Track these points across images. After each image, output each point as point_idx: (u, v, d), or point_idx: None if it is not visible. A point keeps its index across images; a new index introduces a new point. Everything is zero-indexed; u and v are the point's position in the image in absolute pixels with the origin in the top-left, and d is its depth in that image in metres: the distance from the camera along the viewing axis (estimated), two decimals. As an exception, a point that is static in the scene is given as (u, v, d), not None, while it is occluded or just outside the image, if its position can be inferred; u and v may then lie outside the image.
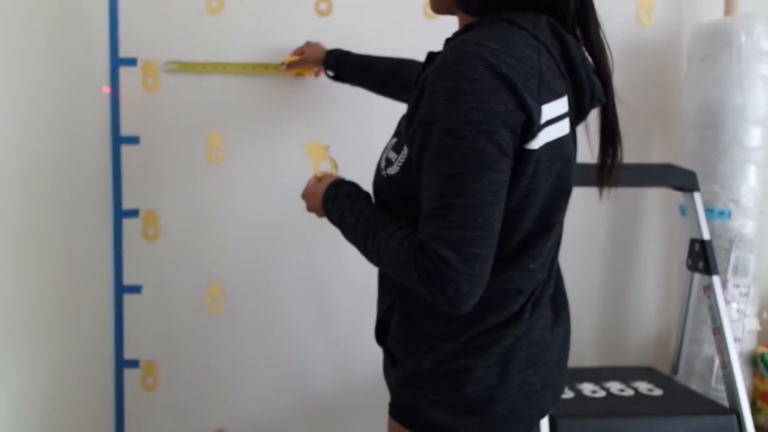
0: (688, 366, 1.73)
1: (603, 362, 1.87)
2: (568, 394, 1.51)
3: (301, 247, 1.77)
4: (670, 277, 1.89)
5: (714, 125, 1.66)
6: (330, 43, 1.62)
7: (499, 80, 0.71)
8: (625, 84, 1.81)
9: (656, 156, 1.86)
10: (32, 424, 1.31)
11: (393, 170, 0.84)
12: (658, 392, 1.55)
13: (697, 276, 1.64)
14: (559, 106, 0.78)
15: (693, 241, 1.61)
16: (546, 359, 0.87)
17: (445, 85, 0.72)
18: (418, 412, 0.87)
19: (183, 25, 1.69)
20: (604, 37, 0.85)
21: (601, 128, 0.89)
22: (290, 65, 1.63)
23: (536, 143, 0.75)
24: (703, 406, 1.50)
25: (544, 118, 0.75)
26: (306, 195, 1.06)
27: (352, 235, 0.88)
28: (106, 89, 1.69)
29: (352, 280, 1.74)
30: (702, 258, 1.57)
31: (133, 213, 1.74)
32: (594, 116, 0.90)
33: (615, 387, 1.57)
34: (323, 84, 1.63)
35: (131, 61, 1.69)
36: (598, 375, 1.64)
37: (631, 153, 1.82)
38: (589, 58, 0.84)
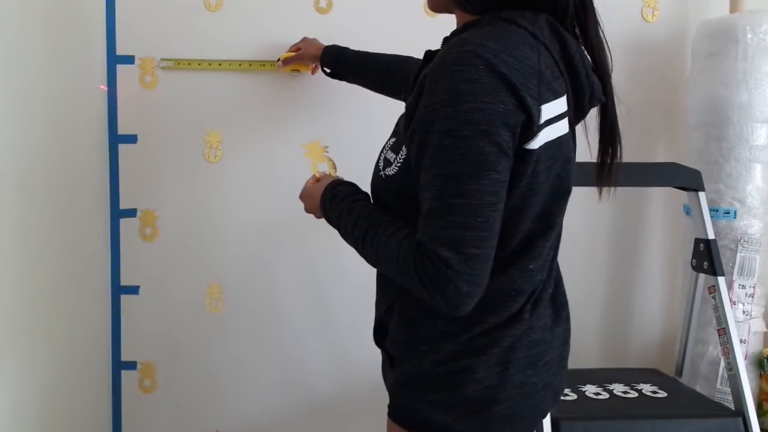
0: (692, 368, 1.71)
1: (606, 364, 1.86)
2: (570, 395, 1.50)
3: (301, 247, 1.76)
4: (675, 278, 1.87)
5: (719, 124, 1.64)
6: (329, 41, 1.61)
7: (499, 80, 0.71)
8: (630, 82, 1.81)
9: (660, 155, 1.85)
10: (29, 426, 1.30)
11: (391, 171, 0.83)
12: (662, 394, 1.53)
13: (702, 276, 1.62)
14: (559, 105, 0.78)
15: (698, 241, 1.59)
16: (546, 359, 0.87)
17: (445, 85, 0.72)
18: (417, 413, 0.86)
19: (181, 22, 1.68)
20: (604, 36, 0.84)
21: (601, 127, 0.88)
22: (286, 61, 1.62)
23: (536, 143, 0.75)
24: (708, 408, 1.48)
25: (543, 118, 0.75)
26: (304, 196, 1.06)
27: (351, 236, 0.87)
28: (103, 87, 1.68)
29: (352, 280, 1.73)
30: (707, 258, 1.55)
31: (131, 213, 1.72)
32: (593, 115, 0.89)
33: (618, 389, 1.55)
34: (322, 81, 1.61)
35: (128, 59, 1.68)
36: (602, 377, 1.63)
37: (635, 152, 1.82)
38: (588, 57, 0.83)
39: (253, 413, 1.79)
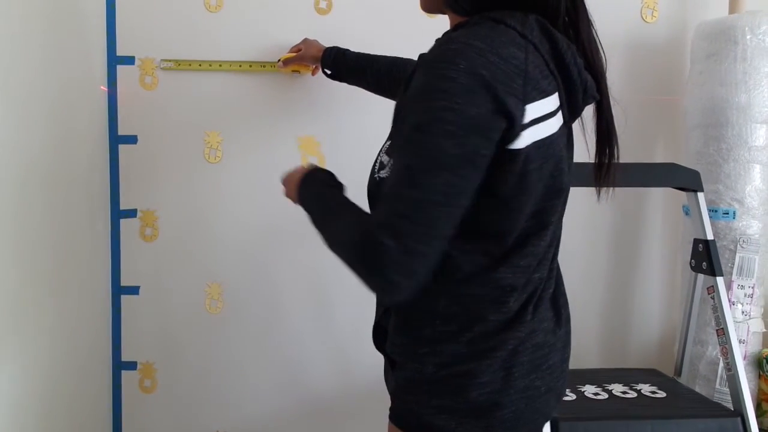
0: (691, 368, 1.71)
1: (606, 364, 1.86)
2: (570, 396, 1.50)
3: (301, 247, 1.76)
4: (674, 278, 1.87)
5: (718, 124, 1.64)
6: (329, 42, 1.61)
7: (477, 82, 0.70)
8: (629, 82, 1.81)
9: (659, 155, 1.85)
10: (29, 425, 1.30)
11: (385, 173, 0.83)
12: (661, 394, 1.53)
13: (701, 277, 1.62)
14: (548, 104, 0.77)
15: (697, 242, 1.59)
16: (549, 363, 0.86)
17: (424, 80, 0.73)
18: (419, 417, 0.85)
19: (181, 23, 1.68)
20: (597, 35, 0.85)
21: (597, 128, 0.88)
22: (286, 62, 1.62)
23: (521, 143, 0.74)
24: (707, 408, 1.48)
25: (529, 117, 0.74)
26: (285, 180, 1.07)
27: (314, 217, 0.89)
28: (104, 88, 1.68)
29: (352, 280, 1.72)
30: (706, 258, 1.55)
31: (131, 213, 1.73)
32: (590, 115, 0.89)
33: (618, 389, 1.55)
34: (322, 83, 1.62)
35: (129, 60, 1.68)
36: (601, 377, 1.63)
37: (634, 152, 1.83)
38: (580, 56, 0.83)
39: (253, 413, 1.79)
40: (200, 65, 1.68)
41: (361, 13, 1.70)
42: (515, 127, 0.73)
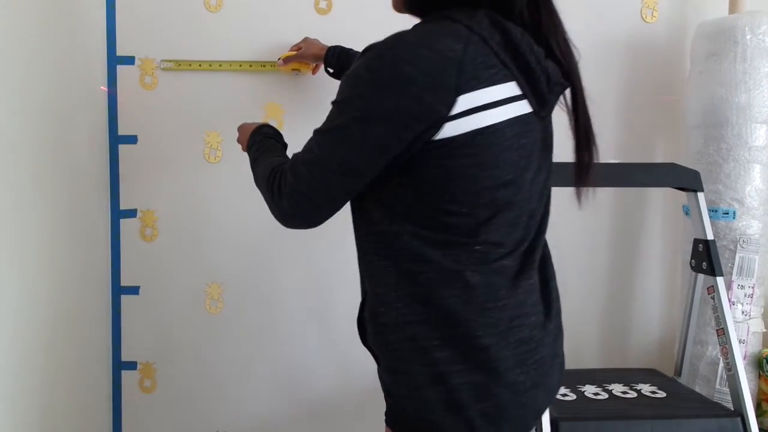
0: (691, 368, 1.71)
1: (606, 364, 1.86)
2: (570, 396, 1.50)
3: (301, 248, 1.76)
4: (674, 278, 1.87)
5: (718, 124, 1.64)
6: (330, 42, 1.61)
7: (397, 76, 0.75)
8: (629, 82, 1.81)
9: (659, 155, 1.85)
10: (29, 425, 1.30)
11: None
12: (661, 394, 1.53)
13: (701, 277, 1.62)
14: (493, 93, 0.78)
15: (697, 242, 1.59)
16: (536, 357, 0.86)
17: (355, 67, 0.80)
18: (404, 410, 0.86)
19: (181, 23, 1.68)
20: (560, 23, 0.86)
21: (574, 127, 0.88)
22: (286, 60, 1.62)
23: (447, 132, 0.77)
24: (707, 408, 1.48)
25: (463, 107, 0.76)
26: (241, 128, 1.25)
27: (252, 158, 1.07)
28: (104, 88, 1.68)
29: (352, 281, 1.72)
30: (706, 259, 1.55)
31: (131, 213, 1.73)
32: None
33: (618, 389, 1.55)
34: (322, 82, 1.62)
35: (129, 60, 1.68)
36: (601, 377, 1.63)
37: (634, 152, 1.83)
38: (544, 46, 0.84)
39: (253, 413, 1.79)
40: (200, 65, 1.68)
41: (361, 13, 1.70)
42: (439, 120, 0.76)
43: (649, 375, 1.68)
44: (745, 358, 1.66)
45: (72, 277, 1.51)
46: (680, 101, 1.80)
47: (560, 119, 0.90)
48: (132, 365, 1.75)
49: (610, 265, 1.86)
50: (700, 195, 1.56)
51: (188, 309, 1.76)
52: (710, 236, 1.55)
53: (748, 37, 1.60)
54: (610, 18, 1.78)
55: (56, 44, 1.43)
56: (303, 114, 1.72)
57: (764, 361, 1.68)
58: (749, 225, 1.64)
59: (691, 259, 1.62)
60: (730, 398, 1.51)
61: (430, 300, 0.82)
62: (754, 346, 1.69)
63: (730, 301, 1.60)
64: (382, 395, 0.99)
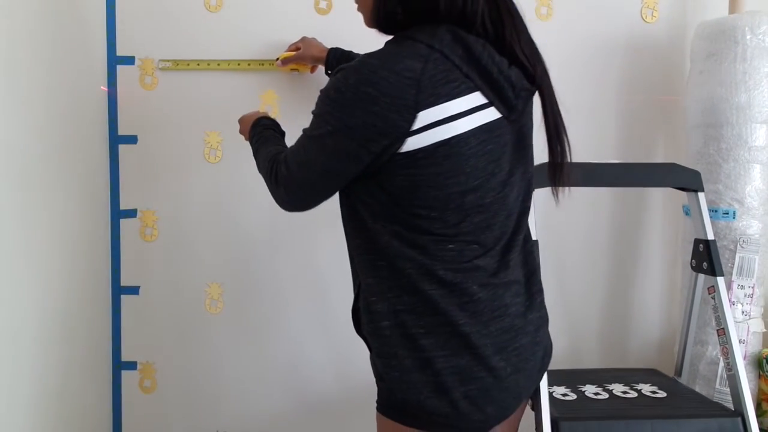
0: (692, 368, 1.71)
1: (606, 364, 1.86)
2: (570, 395, 1.50)
3: (301, 248, 1.76)
4: (674, 278, 1.87)
5: (718, 124, 1.64)
6: (329, 42, 1.61)
7: (361, 97, 0.83)
8: (629, 82, 1.81)
9: (660, 155, 1.85)
10: (29, 425, 1.30)
11: None
12: (661, 394, 1.53)
13: (702, 277, 1.62)
14: (456, 106, 0.84)
15: (697, 242, 1.59)
16: (515, 345, 0.92)
17: (328, 85, 0.89)
18: (392, 395, 0.92)
19: (181, 23, 1.68)
20: (524, 30, 0.90)
21: (546, 127, 0.93)
22: (285, 61, 1.62)
23: (410, 146, 0.83)
24: (708, 408, 1.48)
25: (424, 122, 0.83)
26: (241, 120, 1.33)
27: (254, 148, 1.18)
28: (104, 88, 1.68)
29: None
30: (706, 258, 1.55)
31: (131, 213, 1.73)
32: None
33: (618, 389, 1.55)
34: (322, 81, 1.61)
35: (129, 60, 1.68)
36: (601, 377, 1.63)
37: (634, 152, 1.83)
38: (508, 54, 0.89)
39: (253, 413, 1.79)
40: (199, 65, 1.68)
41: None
42: (402, 135, 0.83)
43: (650, 375, 1.68)
44: (745, 358, 1.66)
45: (72, 277, 1.51)
46: (680, 101, 1.80)
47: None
48: (132, 365, 1.75)
49: (610, 265, 1.86)
50: (701, 195, 1.56)
51: (188, 309, 1.76)
52: (711, 236, 1.55)
53: (748, 37, 1.60)
54: (610, 18, 1.78)
55: (56, 44, 1.43)
56: (302, 114, 1.71)
57: (764, 361, 1.68)
58: (749, 225, 1.64)
59: (692, 259, 1.62)
60: (730, 398, 1.51)
61: (414, 291, 0.89)
62: (754, 346, 1.69)
63: (730, 301, 1.60)
64: (382, 395, 1.00)
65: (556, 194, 0.96)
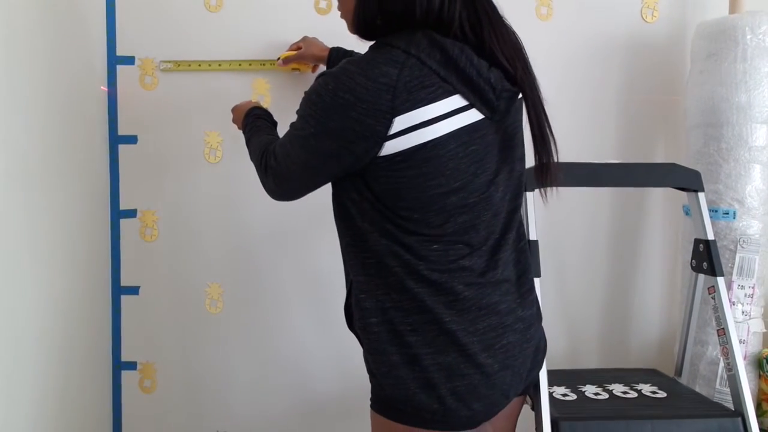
0: (692, 368, 1.71)
1: (606, 364, 1.86)
2: (570, 395, 1.50)
3: (301, 247, 1.76)
4: (674, 278, 1.87)
5: (718, 124, 1.64)
6: (329, 42, 1.61)
7: (339, 103, 0.85)
8: (629, 82, 1.81)
9: (660, 155, 1.85)
10: (29, 425, 1.30)
11: None
12: (661, 394, 1.53)
13: (702, 277, 1.62)
14: (433, 110, 0.85)
15: (697, 242, 1.59)
16: (503, 342, 0.93)
17: (311, 89, 0.92)
18: (382, 390, 0.95)
19: (181, 23, 1.68)
20: (505, 32, 0.91)
21: (530, 129, 0.93)
22: (286, 60, 1.62)
23: (388, 150, 0.86)
24: (708, 408, 1.48)
25: (401, 127, 0.84)
26: (235, 109, 1.40)
27: (246, 137, 1.22)
28: (104, 88, 1.68)
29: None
30: (706, 258, 1.55)
31: (131, 213, 1.73)
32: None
33: (618, 389, 1.55)
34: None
35: (129, 60, 1.68)
36: (601, 377, 1.63)
37: (634, 152, 1.83)
38: (487, 56, 0.89)
39: (253, 413, 1.79)
40: (199, 65, 1.68)
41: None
42: (380, 139, 0.85)
43: (650, 375, 1.68)
44: (745, 358, 1.66)
45: (72, 277, 1.51)
46: (680, 101, 1.80)
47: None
48: (132, 365, 1.75)
49: (610, 265, 1.86)
50: (701, 195, 1.56)
51: (188, 309, 1.76)
52: (711, 236, 1.55)
53: (748, 37, 1.60)
54: (610, 18, 1.78)
55: (56, 44, 1.43)
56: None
57: (764, 361, 1.68)
58: (749, 225, 1.64)
59: (692, 259, 1.62)
60: (730, 398, 1.51)
61: (402, 289, 0.91)
62: (755, 346, 1.69)
63: (730, 301, 1.60)
64: (381, 395, 1.00)
65: (544, 195, 0.96)
